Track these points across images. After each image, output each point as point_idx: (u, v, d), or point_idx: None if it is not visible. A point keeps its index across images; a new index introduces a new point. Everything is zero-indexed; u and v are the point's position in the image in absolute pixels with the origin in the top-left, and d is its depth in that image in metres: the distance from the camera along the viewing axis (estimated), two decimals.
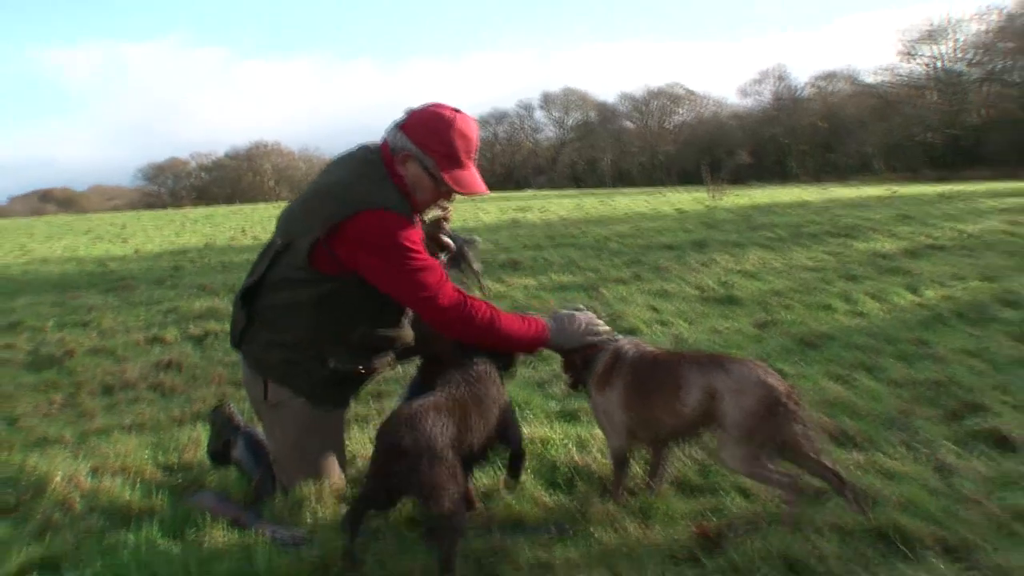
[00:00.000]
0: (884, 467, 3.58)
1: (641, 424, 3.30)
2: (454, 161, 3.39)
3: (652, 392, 3.25)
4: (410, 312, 3.68)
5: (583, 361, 3.52)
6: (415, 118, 3.43)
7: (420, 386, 3.83)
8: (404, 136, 3.40)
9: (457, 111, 3.43)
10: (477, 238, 4.29)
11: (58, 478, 3.78)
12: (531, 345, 3.52)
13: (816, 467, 3.11)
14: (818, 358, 5.48)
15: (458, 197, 3.59)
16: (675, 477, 3.59)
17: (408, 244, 3.27)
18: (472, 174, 3.47)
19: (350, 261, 3.33)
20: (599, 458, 3.74)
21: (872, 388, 4.75)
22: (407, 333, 3.72)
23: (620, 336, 3.58)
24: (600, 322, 3.59)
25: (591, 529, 3.12)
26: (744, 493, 3.41)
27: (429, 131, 3.38)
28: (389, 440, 2.86)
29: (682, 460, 3.72)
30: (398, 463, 2.81)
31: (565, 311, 3.59)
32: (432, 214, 3.90)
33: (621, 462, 3.42)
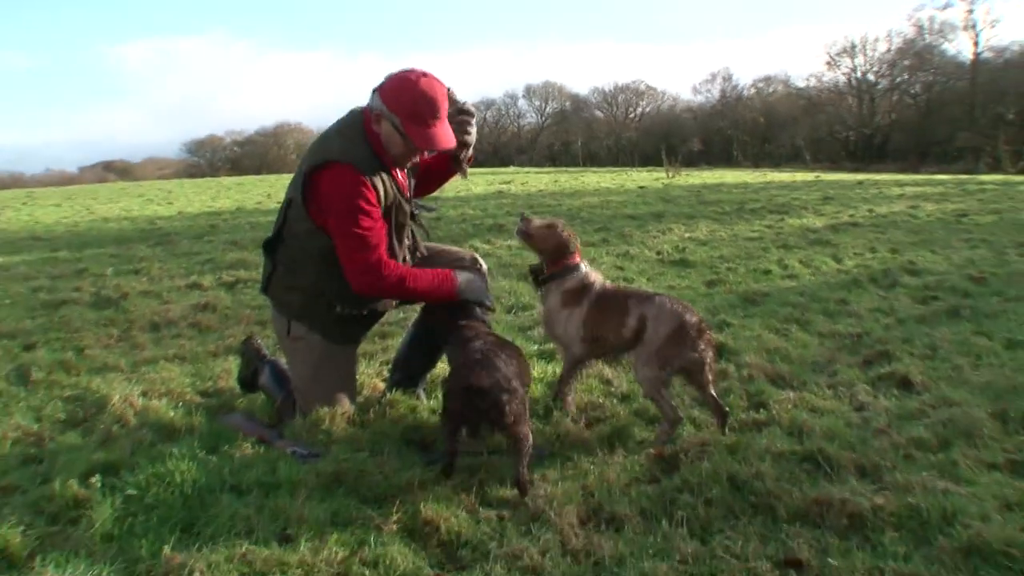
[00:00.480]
0: (812, 404, 3.61)
1: (592, 339, 3.46)
2: (418, 119, 3.21)
3: (608, 315, 3.41)
4: (406, 256, 3.59)
5: (548, 276, 3.58)
6: (388, 81, 3.28)
7: (422, 326, 3.82)
8: (378, 97, 3.27)
9: (424, 74, 3.26)
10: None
11: (116, 398, 3.77)
12: (440, 300, 3.46)
13: (706, 395, 3.35)
14: (758, 313, 5.47)
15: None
16: (637, 409, 3.61)
17: (361, 204, 3.20)
18: (435, 131, 3.26)
19: (319, 213, 3.29)
20: (576, 394, 3.73)
21: (802, 338, 4.76)
22: None
23: (585, 265, 3.60)
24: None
25: (566, 452, 3.12)
26: (695, 423, 3.43)
27: (396, 93, 3.23)
28: (470, 382, 2.78)
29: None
30: (481, 402, 2.75)
31: (474, 274, 3.52)
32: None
33: (575, 367, 3.60)
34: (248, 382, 3.87)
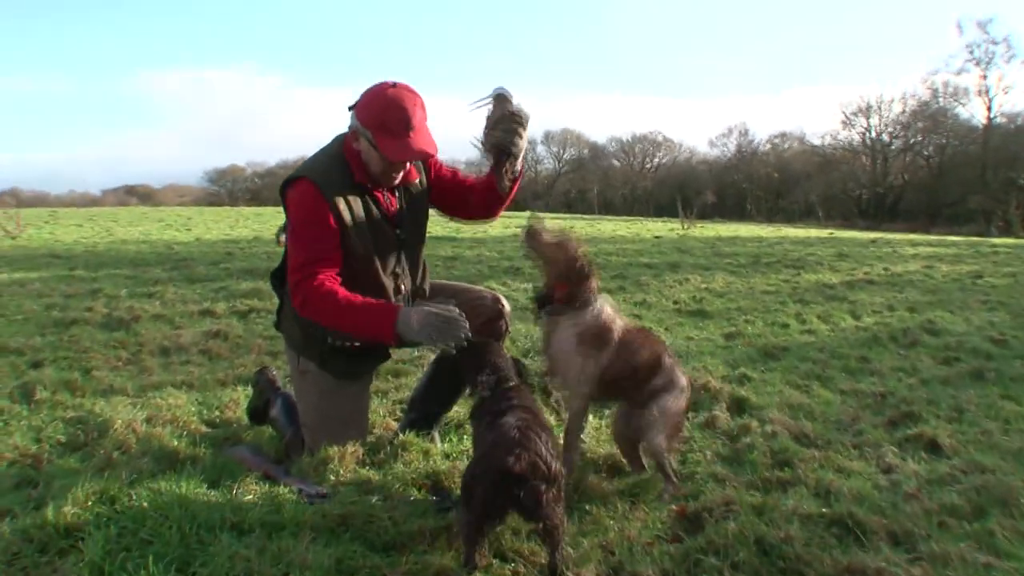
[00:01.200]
0: (838, 464, 3.41)
1: (608, 383, 3.10)
2: (389, 132, 3.02)
3: (630, 364, 3.08)
4: (402, 286, 3.38)
5: (559, 307, 3.06)
6: (361, 97, 3.12)
7: (442, 365, 3.63)
8: (353, 115, 3.12)
9: (394, 84, 3.09)
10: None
11: (119, 423, 3.62)
12: (373, 339, 3.10)
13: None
14: (778, 367, 5.28)
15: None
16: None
17: (310, 218, 3.05)
18: (405, 143, 3.03)
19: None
20: (591, 444, 3.55)
21: (825, 396, 4.57)
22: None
23: (602, 299, 3.12)
24: (452, 316, 2.89)
25: (585, 506, 2.91)
26: (717, 479, 3.23)
27: (367, 106, 3.07)
28: (505, 466, 2.31)
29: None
30: (517, 490, 2.30)
31: (417, 307, 2.94)
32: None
33: (582, 417, 3.22)
34: (258, 414, 3.71)
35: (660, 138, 71.63)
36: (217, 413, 4.03)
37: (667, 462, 3.07)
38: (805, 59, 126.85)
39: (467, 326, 2.88)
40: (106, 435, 3.54)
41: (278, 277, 3.46)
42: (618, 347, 3.07)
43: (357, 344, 3.29)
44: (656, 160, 71.84)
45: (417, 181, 3.42)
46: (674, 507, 2.90)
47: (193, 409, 4.06)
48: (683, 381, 3.18)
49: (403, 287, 3.39)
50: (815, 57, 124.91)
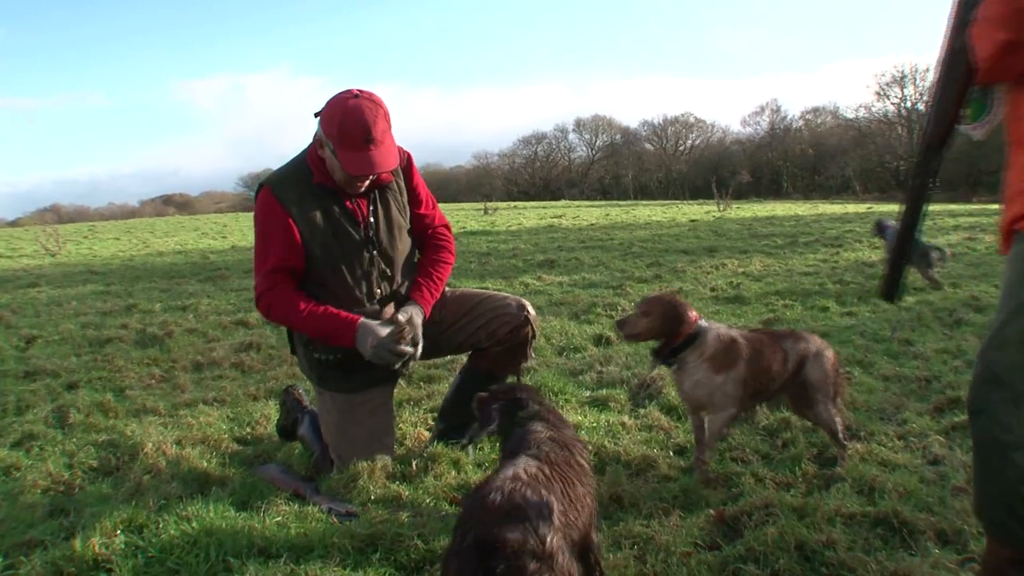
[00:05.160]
0: (882, 457, 3.25)
1: (752, 395, 3.13)
2: (348, 144, 2.92)
3: (768, 366, 3.11)
4: (377, 291, 3.24)
5: (676, 347, 3.06)
6: (326, 106, 3.02)
7: (471, 371, 3.56)
8: (319, 123, 3.04)
9: (358, 95, 2.97)
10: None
11: (149, 446, 3.54)
12: (341, 346, 3.11)
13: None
14: None
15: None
16: (693, 465, 3.26)
17: (262, 227, 3.12)
18: (366, 157, 2.94)
19: None
20: (628, 445, 3.43)
21: (867, 383, 4.39)
22: (367, 312, 3.18)
23: (708, 325, 3.11)
24: (407, 336, 3.06)
25: (617, 514, 2.81)
26: (758, 479, 3.08)
27: (329, 117, 2.96)
28: (484, 533, 1.73)
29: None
30: (497, 563, 1.69)
31: (376, 323, 3.05)
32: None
33: (724, 427, 3.23)
34: (287, 431, 3.67)
35: (692, 119, 71.14)
36: (248, 429, 3.96)
37: (836, 426, 3.19)
38: (834, 34, 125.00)
39: (411, 356, 3.08)
40: (136, 458, 3.46)
41: None
42: (750, 358, 3.08)
43: (340, 355, 3.21)
44: (689, 142, 71.36)
45: (393, 183, 3.30)
46: (712, 511, 2.79)
47: (224, 427, 3.99)
48: (814, 346, 3.22)
49: (378, 291, 3.25)
50: (846, 31, 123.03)
